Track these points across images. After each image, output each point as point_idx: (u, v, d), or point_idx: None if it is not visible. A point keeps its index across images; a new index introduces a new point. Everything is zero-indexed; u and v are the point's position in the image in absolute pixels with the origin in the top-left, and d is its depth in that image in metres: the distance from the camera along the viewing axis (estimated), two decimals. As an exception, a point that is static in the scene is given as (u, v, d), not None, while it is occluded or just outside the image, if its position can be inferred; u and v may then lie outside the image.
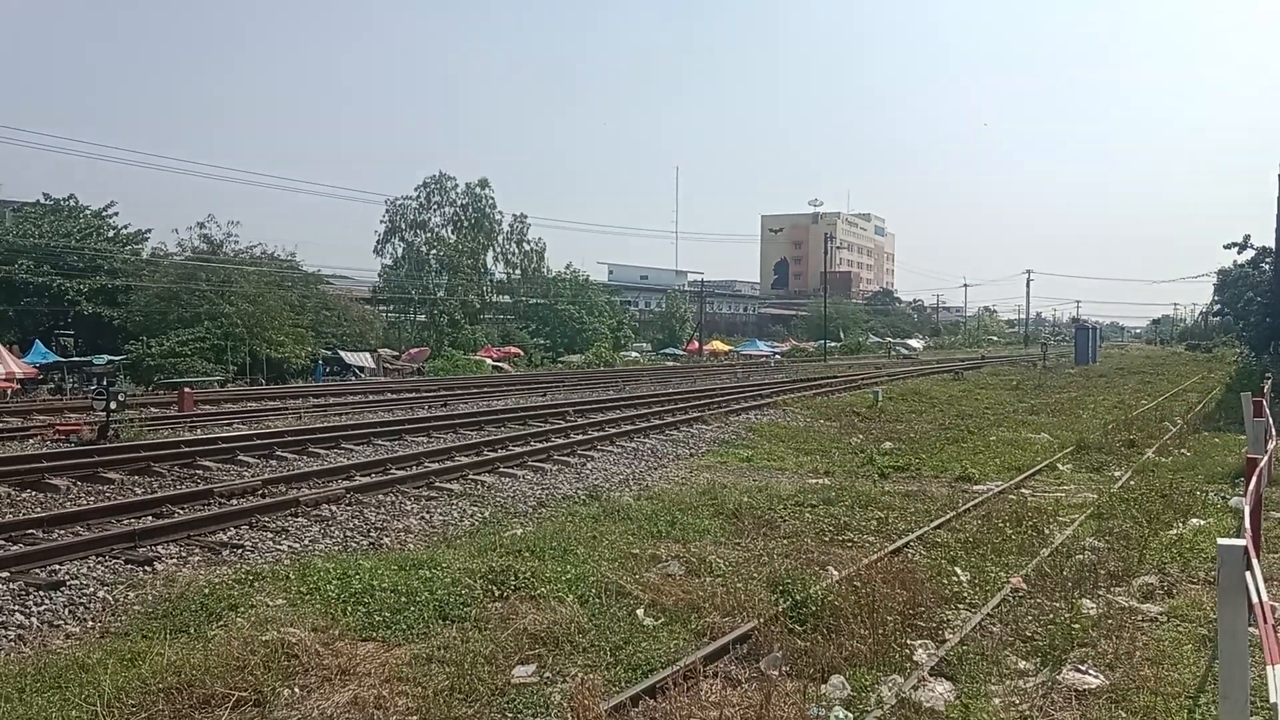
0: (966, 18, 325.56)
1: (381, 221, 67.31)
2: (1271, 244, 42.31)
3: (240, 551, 9.63)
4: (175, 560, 9.27)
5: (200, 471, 14.42)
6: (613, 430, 19.73)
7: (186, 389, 27.04)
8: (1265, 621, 3.30)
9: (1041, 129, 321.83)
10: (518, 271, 71.47)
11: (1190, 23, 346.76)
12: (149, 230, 47.80)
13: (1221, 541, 4.08)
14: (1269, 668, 2.93)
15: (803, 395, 30.30)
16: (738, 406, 25.93)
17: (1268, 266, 49.55)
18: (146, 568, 8.90)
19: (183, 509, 11.34)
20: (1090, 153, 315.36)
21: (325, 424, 20.95)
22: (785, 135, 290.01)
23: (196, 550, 9.64)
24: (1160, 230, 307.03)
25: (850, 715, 5.52)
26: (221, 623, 7.01)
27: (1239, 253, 54.21)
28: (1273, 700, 2.73)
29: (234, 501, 11.83)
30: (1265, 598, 3.52)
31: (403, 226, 67.26)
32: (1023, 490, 13.47)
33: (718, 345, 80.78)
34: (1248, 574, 3.79)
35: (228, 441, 16.74)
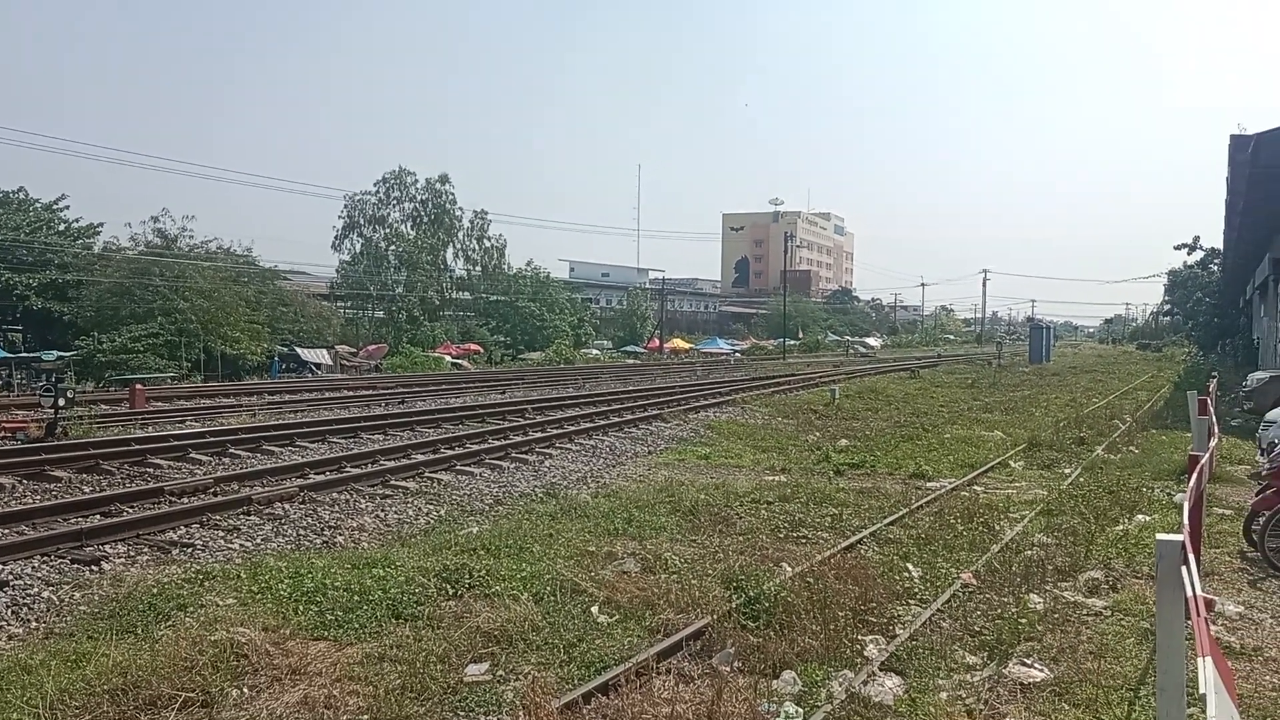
0: (928, 23, 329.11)
1: (340, 217, 66.81)
2: (1219, 245, 43.21)
3: (190, 550, 9.50)
4: (123, 560, 9.14)
5: (151, 470, 14.20)
6: (571, 428, 19.71)
7: (138, 386, 26.61)
8: (1198, 615, 3.38)
9: (999, 132, 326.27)
10: (478, 268, 71.12)
11: (1144, 30, 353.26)
12: (101, 224, 47.01)
13: (1160, 536, 4.16)
14: (1199, 659, 3.00)
15: (761, 393, 30.48)
16: (697, 404, 26.02)
17: (1216, 268, 50.69)
18: (93, 567, 8.76)
19: (132, 507, 11.17)
20: (1046, 156, 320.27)
21: (280, 421, 20.72)
22: (747, 135, 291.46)
23: (145, 549, 9.51)
24: (1114, 231, 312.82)
25: (800, 711, 5.56)
26: (169, 623, 6.92)
27: (1188, 254, 55.60)
28: (1202, 691, 2.80)
29: (185, 500, 11.68)
30: (1199, 591, 3.60)
31: (361, 222, 66.71)
32: (975, 487, 13.65)
33: (678, 343, 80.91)
34: (1184, 568, 3.87)
35: (180, 439, 16.49)
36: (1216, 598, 7.68)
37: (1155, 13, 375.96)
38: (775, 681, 5.98)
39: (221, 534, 10.25)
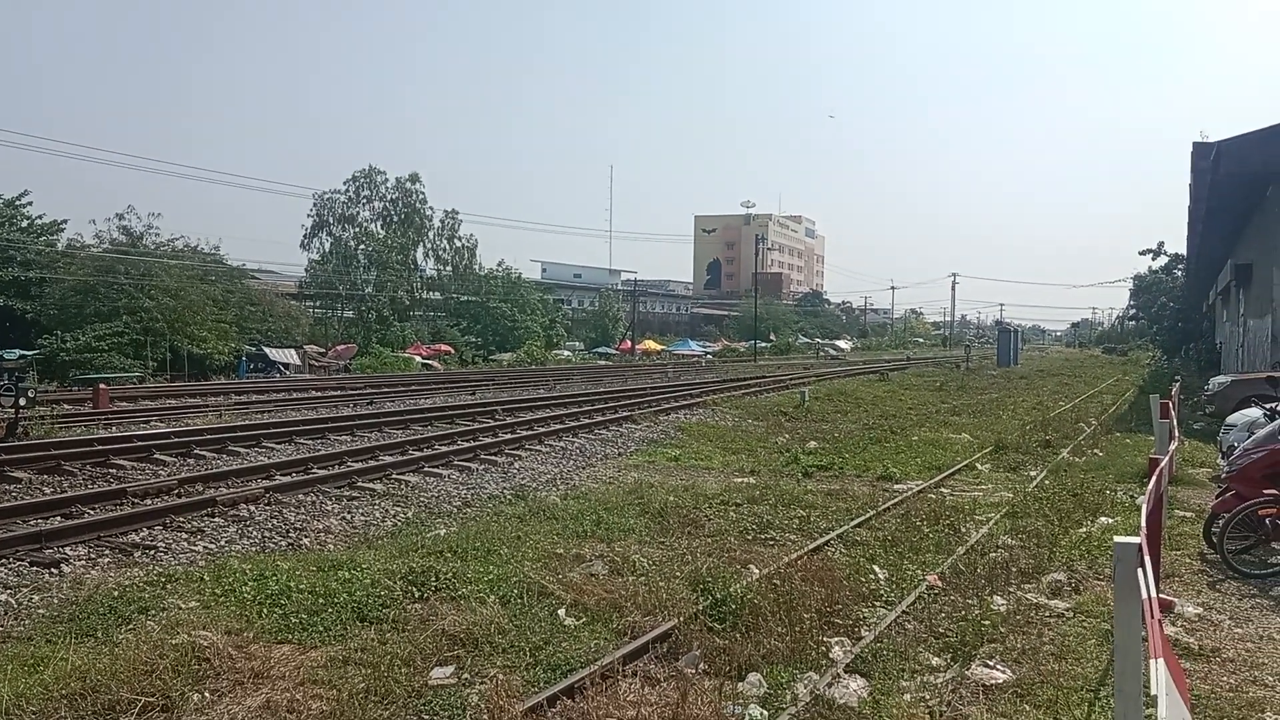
0: (898, 30, 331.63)
1: (309, 215, 66.42)
2: (1183, 250, 43.83)
3: (153, 553, 9.39)
4: (84, 562, 9.02)
5: (113, 471, 14.03)
6: (542, 429, 19.67)
7: (102, 385, 26.28)
8: (1152, 617, 3.43)
9: (969, 138, 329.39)
10: (449, 268, 70.84)
11: (1112, 38, 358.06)
12: (65, 221, 46.28)
13: (1118, 539, 4.22)
14: (1152, 661, 3.04)
15: (732, 395, 30.56)
16: (668, 406, 26.05)
17: (1180, 273, 51.42)
18: (53, 570, 8.64)
19: (93, 509, 11.04)
20: (1014, 161, 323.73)
21: (246, 422, 20.53)
22: (719, 136, 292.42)
23: (106, 552, 9.39)
24: (1082, 236, 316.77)
25: (765, 713, 5.59)
26: (130, 626, 6.84)
27: (1153, 259, 56.41)
28: (1154, 692, 2.84)
29: (148, 501, 11.55)
30: (1154, 594, 3.65)
31: (331, 221, 66.32)
32: (942, 489, 13.75)
33: (650, 344, 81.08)
34: (1140, 571, 3.92)
35: (144, 440, 16.30)
36: (1176, 599, 7.79)
37: (1122, 19, 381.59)
38: (741, 684, 5.99)
39: (185, 536, 10.15)
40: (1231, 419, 14.90)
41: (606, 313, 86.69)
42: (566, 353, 71.42)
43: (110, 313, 39.54)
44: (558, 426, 20.37)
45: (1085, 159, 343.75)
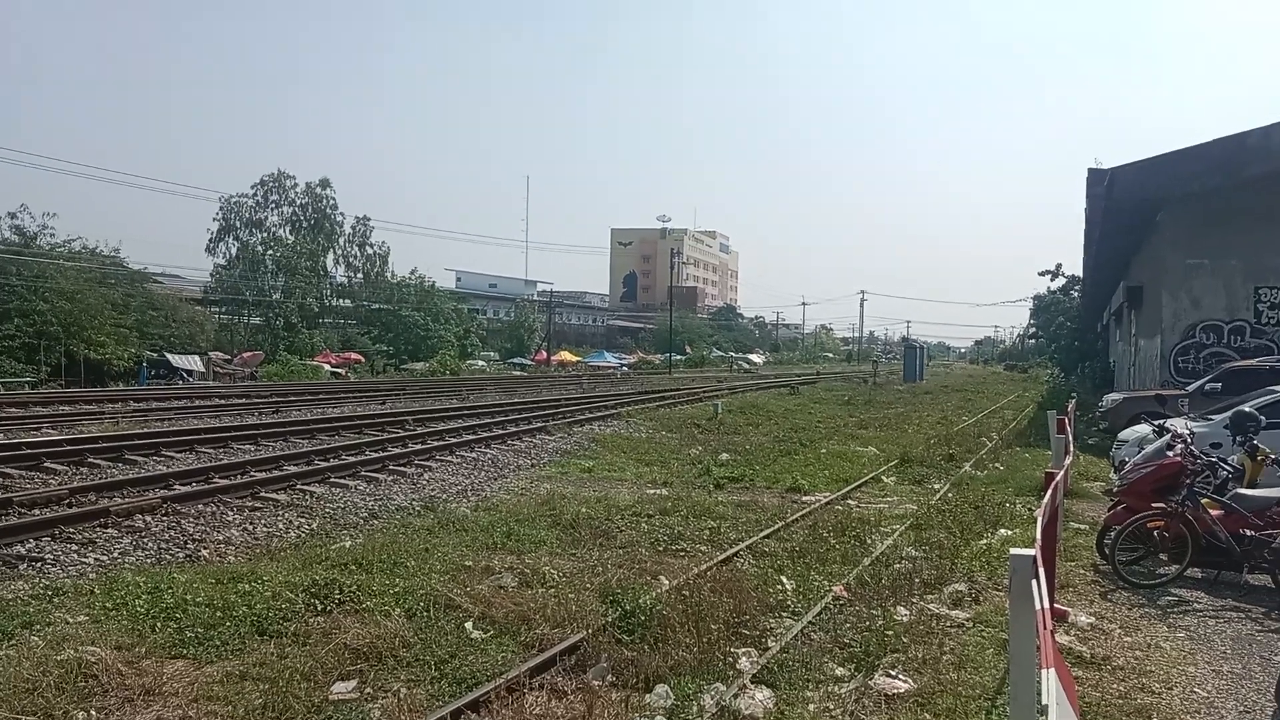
0: (811, 48, 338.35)
1: (215, 219, 64.89)
2: (1080, 273, 45.49)
3: (39, 565, 9.01)
4: (-36, 575, 8.58)
5: (-1, 479, 13.40)
6: (453, 440, 19.44)
7: (-11, 390, 25.13)
8: (1044, 627, 3.53)
9: (878, 158, 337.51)
10: (360, 275, 69.77)
11: (1014, 67, 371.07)
12: (-48, 221, 44.35)
13: (1014, 551, 4.34)
14: (1042, 671, 3.13)
15: (647, 407, 30.67)
16: (582, 417, 25.99)
17: (1077, 294, 53.34)
18: (-71, 584, 8.20)
19: (-24, 520, 10.51)
20: (921, 183, 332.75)
21: (145, 430, 19.81)
22: (637, 149, 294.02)
23: (-11, 564, 8.95)
24: (986, 257, 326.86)
25: (672, 724, 5.58)
26: (12, 642, 6.55)
27: (1052, 280, 58.40)
28: (1044, 702, 2.92)
29: (36, 511, 11.06)
30: (1046, 605, 3.76)
31: (238, 225, 64.94)
32: (849, 501, 13.98)
33: (566, 356, 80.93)
34: (1034, 582, 4.03)
35: (34, 447, 15.64)
36: (1070, 609, 8.05)
37: (1029, 41, 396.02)
38: (648, 695, 5.98)
39: (75, 547, 9.74)
40: (1123, 435, 15.51)
41: (522, 323, 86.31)
42: (481, 363, 70.87)
43: (0, 315, 37.90)
44: (470, 437, 20.15)
45: (989, 183, 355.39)
